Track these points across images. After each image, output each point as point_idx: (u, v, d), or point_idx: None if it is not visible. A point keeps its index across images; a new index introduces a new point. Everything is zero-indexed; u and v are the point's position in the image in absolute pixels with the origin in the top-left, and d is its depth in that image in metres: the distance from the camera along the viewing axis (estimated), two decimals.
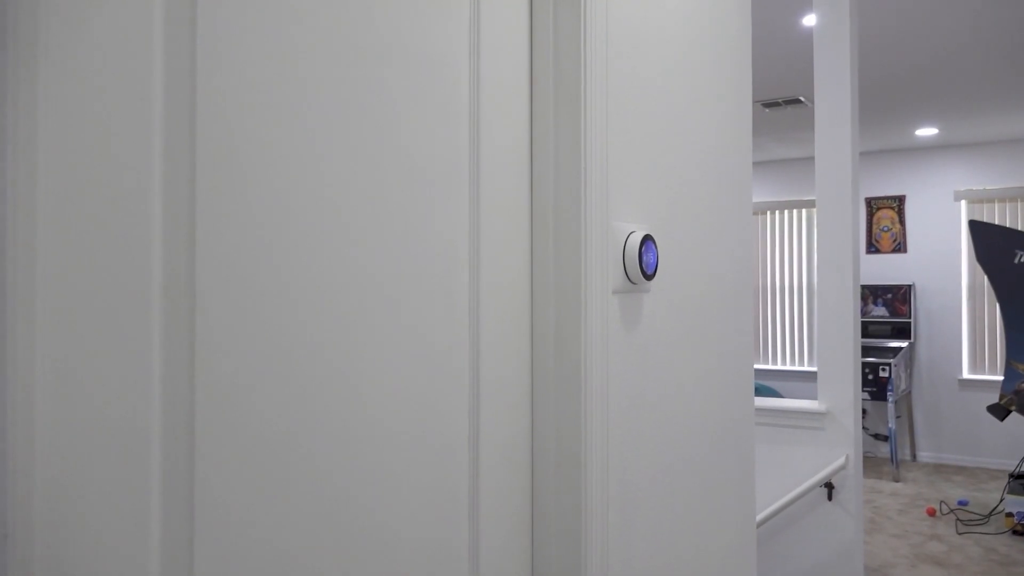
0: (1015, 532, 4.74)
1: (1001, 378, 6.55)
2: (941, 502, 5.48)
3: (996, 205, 6.59)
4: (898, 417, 6.62)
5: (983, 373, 6.70)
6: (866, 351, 6.56)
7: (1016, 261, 4.78)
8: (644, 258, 1.06)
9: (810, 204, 7.22)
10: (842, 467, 3.12)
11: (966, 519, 5.09)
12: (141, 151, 0.56)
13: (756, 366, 7.23)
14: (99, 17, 0.53)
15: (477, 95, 0.91)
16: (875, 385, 6.22)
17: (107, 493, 0.53)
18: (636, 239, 1.05)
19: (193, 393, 0.58)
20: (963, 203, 6.71)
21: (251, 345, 0.63)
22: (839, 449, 3.21)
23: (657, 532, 1.15)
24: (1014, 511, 4.75)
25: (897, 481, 6.13)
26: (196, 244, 0.59)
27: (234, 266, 0.62)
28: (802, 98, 4.95)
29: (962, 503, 5.39)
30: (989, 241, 4.87)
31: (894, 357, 6.30)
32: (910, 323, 6.83)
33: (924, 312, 6.88)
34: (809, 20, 3.55)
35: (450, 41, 0.87)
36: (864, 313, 7.01)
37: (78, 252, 0.51)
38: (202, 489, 0.59)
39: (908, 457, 6.87)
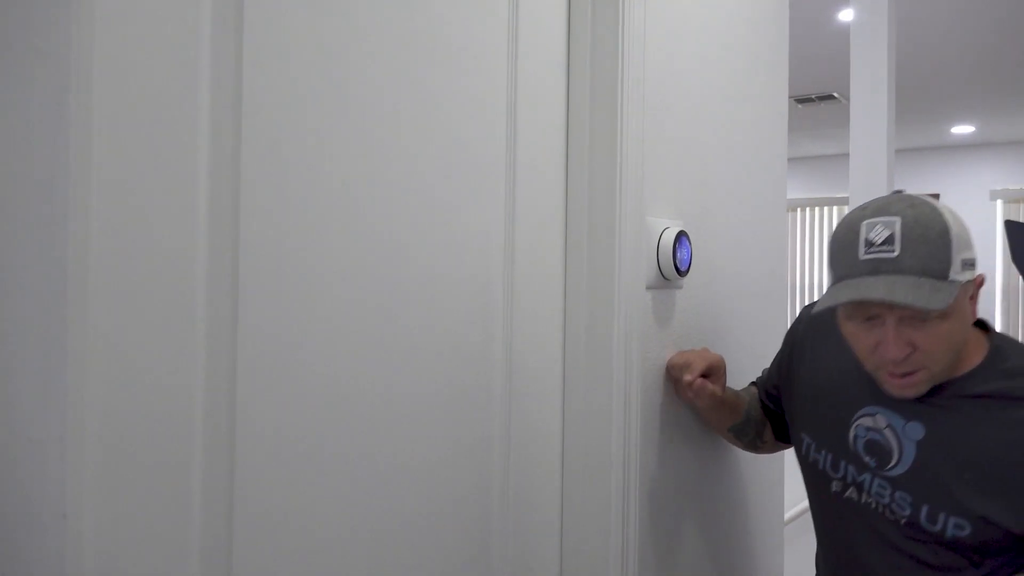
0: None
1: None
2: None
3: None
4: None
5: None
6: None
7: None
8: (678, 254, 1.05)
9: (842, 201, 7.12)
10: None
11: None
12: (189, 137, 0.57)
13: None
14: (148, 19, 0.54)
15: (515, 91, 0.91)
16: None
17: (152, 472, 0.54)
18: (670, 235, 1.05)
19: (235, 375, 0.60)
20: (999, 202, 6.59)
21: (292, 335, 0.64)
22: None
23: (684, 528, 1.15)
24: None
25: None
26: (239, 243, 0.60)
27: (274, 256, 0.63)
28: (835, 94, 4.89)
29: None
30: None
31: None
32: None
33: None
34: (845, 15, 3.51)
35: (489, 37, 0.87)
36: None
37: (128, 237, 0.53)
38: (242, 469, 0.60)
39: None
